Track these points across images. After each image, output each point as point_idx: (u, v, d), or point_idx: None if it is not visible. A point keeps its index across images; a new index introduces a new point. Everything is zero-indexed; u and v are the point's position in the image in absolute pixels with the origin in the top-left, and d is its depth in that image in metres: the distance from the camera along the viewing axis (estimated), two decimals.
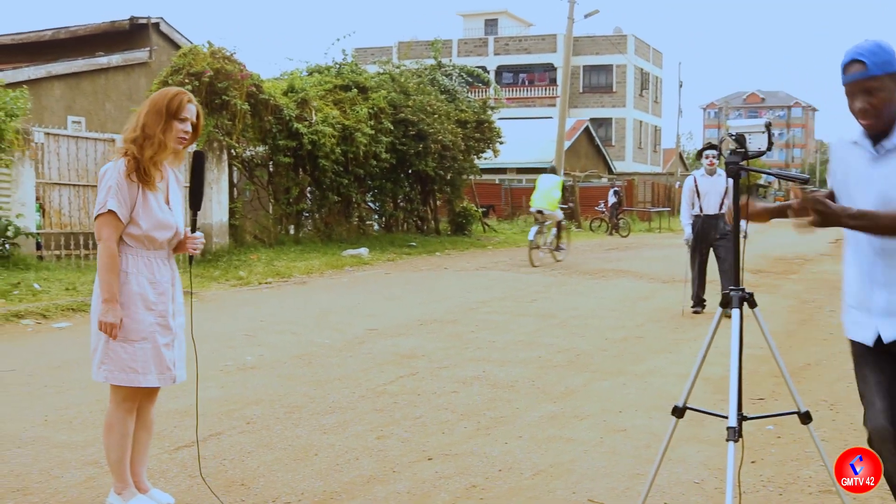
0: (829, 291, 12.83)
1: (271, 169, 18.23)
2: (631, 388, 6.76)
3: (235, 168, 17.09)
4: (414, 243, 20.61)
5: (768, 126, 3.52)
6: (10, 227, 12.49)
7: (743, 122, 3.54)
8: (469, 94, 25.44)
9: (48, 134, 14.08)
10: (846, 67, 3.11)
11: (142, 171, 3.86)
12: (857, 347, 3.29)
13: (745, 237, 4.01)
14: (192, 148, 4.34)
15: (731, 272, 3.74)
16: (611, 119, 56.56)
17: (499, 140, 24.77)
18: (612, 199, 32.07)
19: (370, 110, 19.40)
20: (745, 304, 3.61)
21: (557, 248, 17.65)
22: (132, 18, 20.44)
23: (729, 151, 3.59)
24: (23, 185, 13.33)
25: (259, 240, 17.48)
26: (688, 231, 10.74)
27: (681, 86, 56.08)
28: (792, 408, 3.75)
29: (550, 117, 47.10)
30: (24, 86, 14.36)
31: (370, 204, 22.32)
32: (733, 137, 3.57)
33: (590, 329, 9.52)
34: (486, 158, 25.34)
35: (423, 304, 11.30)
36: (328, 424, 5.62)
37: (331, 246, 18.20)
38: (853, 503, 4.00)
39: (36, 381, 6.73)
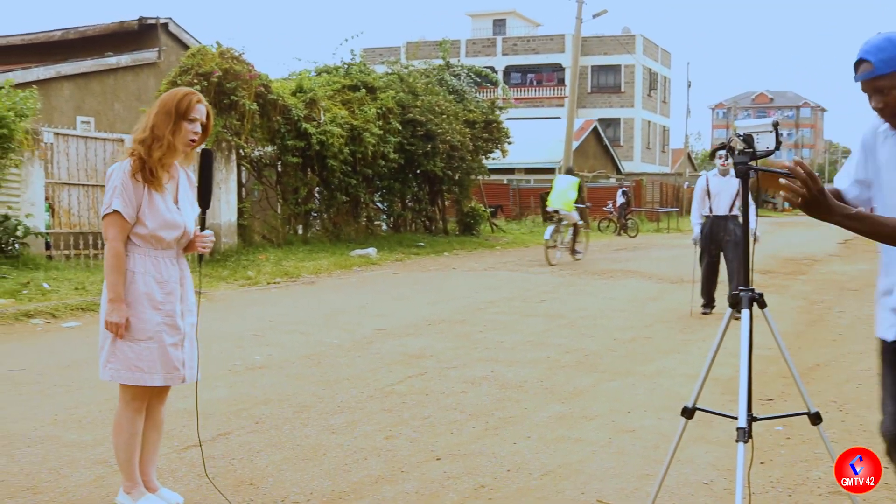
0: (838, 292, 12.80)
1: (280, 169, 18.27)
2: (640, 388, 6.75)
3: (244, 168, 17.12)
4: (422, 243, 20.62)
5: (776, 125, 3.50)
6: (19, 227, 12.53)
7: (750, 122, 3.52)
8: (477, 95, 25.46)
9: (57, 134, 14.14)
10: (856, 66, 2.94)
11: (147, 172, 3.86)
12: (881, 345, 3.15)
13: (755, 241, 3.99)
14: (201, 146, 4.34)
15: (740, 273, 3.73)
16: (619, 119, 56.50)
17: (507, 140, 24.76)
18: (620, 200, 32.04)
19: (378, 110, 19.42)
20: (755, 304, 3.60)
21: (573, 252, 17.76)
22: (141, 19, 20.48)
23: (737, 152, 3.58)
24: (32, 184, 13.38)
25: (267, 240, 17.51)
26: (696, 231, 10.71)
27: (689, 86, 55.81)
28: (801, 408, 3.73)
29: (559, 117, 47.09)
30: (34, 86, 14.39)
31: (378, 204, 22.35)
32: (741, 137, 3.56)
33: (598, 329, 9.51)
34: (494, 159, 25.33)
35: (431, 305, 11.30)
36: (337, 424, 5.63)
37: (339, 246, 18.22)
38: None
39: (45, 381, 6.75)
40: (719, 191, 10.42)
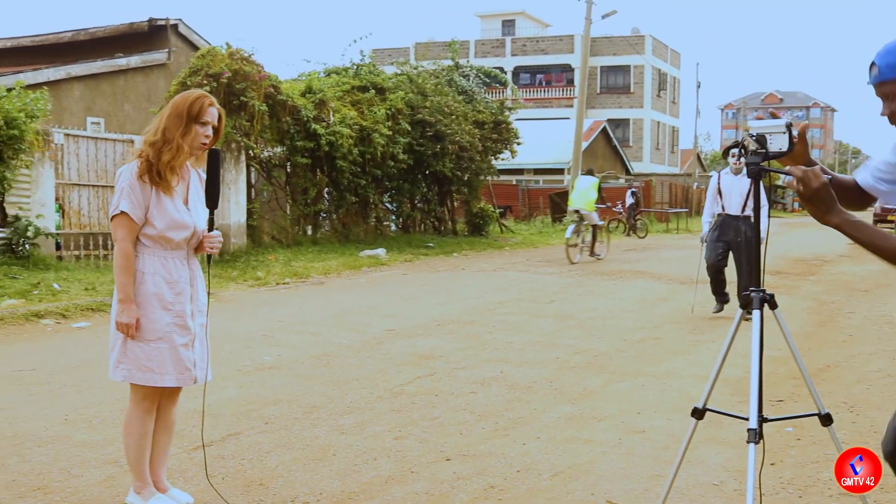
0: (848, 293, 12.75)
1: (289, 169, 18.29)
2: (649, 389, 6.74)
3: (253, 169, 17.15)
4: (431, 244, 20.62)
5: (789, 126, 3.47)
6: (30, 228, 12.59)
7: (763, 123, 3.49)
8: (486, 95, 25.46)
9: (68, 135, 14.19)
10: (869, 69, 2.82)
11: (155, 174, 3.87)
12: None
13: (764, 244, 3.97)
14: None
15: (749, 274, 3.71)
16: (628, 120, 56.40)
17: (516, 141, 24.75)
18: (629, 200, 31.96)
19: (387, 111, 19.43)
20: (766, 305, 3.58)
21: (593, 253, 18.07)
22: (151, 20, 20.52)
23: (750, 152, 3.56)
24: (42, 185, 13.43)
25: (277, 240, 17.53)
26: (705, 229, 10.66)
27: (699, 86, 55.80)
28: (812, 409, 3.72)
29: (568, 118, 47.07)
30: (44, 87, 14.45)
31: (387, 205, 22.35)
32: (753, 138, 3.54)
33: (608, 330, 9.50)
34: (503, 159, 25.33)
35: (440, 305, 11.30)
36: (346, 425, 5.63)
37: (348, 246, 18.24)
38: None
39: (56, 381, 6.77)
40: (730, 189, 10.37)
